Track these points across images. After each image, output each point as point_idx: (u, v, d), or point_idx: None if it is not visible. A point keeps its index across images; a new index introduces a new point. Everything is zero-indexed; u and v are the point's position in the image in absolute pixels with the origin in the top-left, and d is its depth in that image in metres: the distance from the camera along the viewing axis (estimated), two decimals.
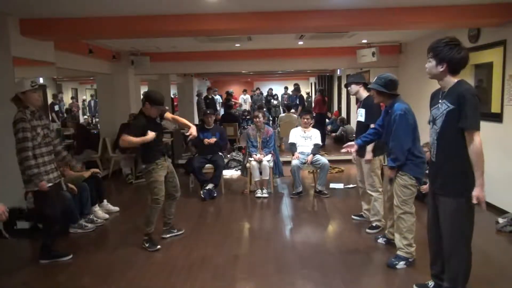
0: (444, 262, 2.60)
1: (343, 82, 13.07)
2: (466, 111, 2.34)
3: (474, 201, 2.37)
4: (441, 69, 2.43)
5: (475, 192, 2.36)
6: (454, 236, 2.50)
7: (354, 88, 4.28)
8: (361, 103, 4.27)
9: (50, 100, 10.98)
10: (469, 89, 2.40)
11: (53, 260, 3.60)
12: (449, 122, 2.42)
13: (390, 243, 3.75)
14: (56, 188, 3.63)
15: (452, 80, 2.44)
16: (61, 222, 3.72)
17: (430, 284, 2.81)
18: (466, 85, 2.43)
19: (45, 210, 3.53)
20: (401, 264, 3.29)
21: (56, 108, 11.16)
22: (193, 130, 3.84)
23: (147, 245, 3.73)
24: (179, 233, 4.24)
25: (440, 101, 2.49)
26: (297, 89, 12.88)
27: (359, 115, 4.24)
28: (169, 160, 4.04)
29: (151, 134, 3.61)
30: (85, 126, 10.06)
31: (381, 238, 3.89)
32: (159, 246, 3.70)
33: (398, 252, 3.35)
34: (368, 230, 4.16)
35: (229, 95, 12.61)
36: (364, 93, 4.25)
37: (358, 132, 4.31)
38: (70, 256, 3.72)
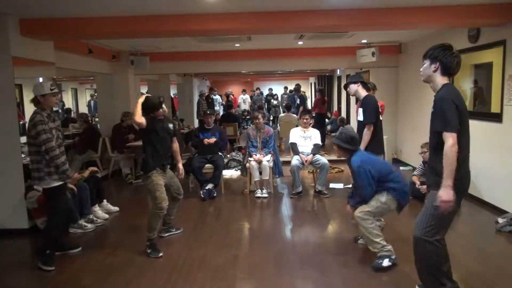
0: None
1: (343, 82, 13.05)
2: (436, 114, 2.43)
3: (437, 202, 2.38)
4: (434, 68, 2.47)
5: (440, 192, 2.37)
6: (420, 224, 2.53)
7: (352, 88, 4.28)
8: (360, 102, 4.28)
9: None
10: (445, 93, 2.44)
11: (43, 269, 3.47)
12: (432, 123, 2.51)
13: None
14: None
15: (440, 83, 2.49)
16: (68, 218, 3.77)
17: None
18: (447, 88, 2.46)
19: (58, 205, 3.57)
20: (386, 262, 3.27)
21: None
22: (182, 172, 4.19)
23: (149, 251, 3.70)
24: (177, 232, 4.26)
25: None
26: (297, 89, 12.88)
27: (359, 114, 4.25)
28: (168, 170, 4.03)
29: None
30: (93, 126, 10.00)
31: (361, 239, 3.87)
32: (161, 254, 3.67)
33: (378, 254, 3.33)
34: None
35: (229, 100, 12.68)
36: (363, 92, 4.24)
37: (359, 131, 4.32)
38: (79, 248, 3.87)
